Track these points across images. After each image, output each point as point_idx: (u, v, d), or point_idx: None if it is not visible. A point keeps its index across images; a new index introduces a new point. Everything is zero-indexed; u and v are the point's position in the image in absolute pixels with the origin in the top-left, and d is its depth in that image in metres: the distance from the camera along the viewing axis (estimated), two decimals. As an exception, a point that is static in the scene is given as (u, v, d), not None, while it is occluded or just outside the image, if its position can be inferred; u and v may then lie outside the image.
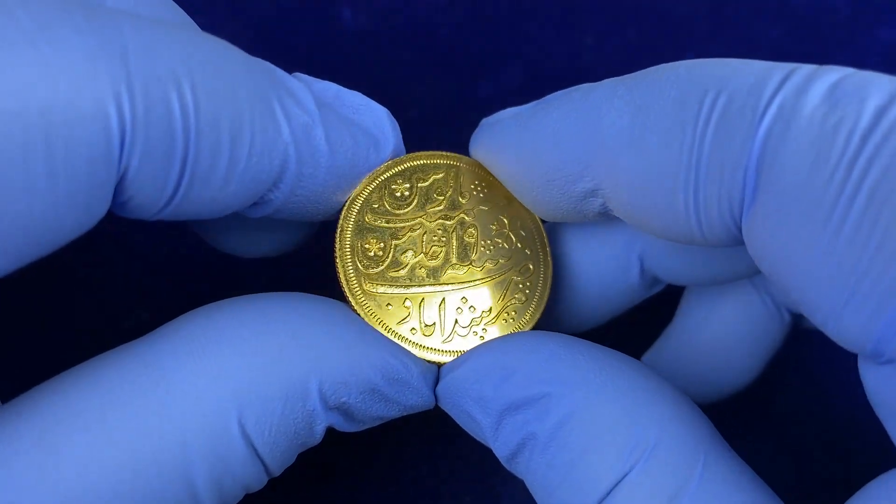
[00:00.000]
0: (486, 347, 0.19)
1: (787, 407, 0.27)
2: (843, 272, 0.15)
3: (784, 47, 0.31)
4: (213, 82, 0.16)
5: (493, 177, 0.21)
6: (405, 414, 0.20)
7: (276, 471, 0.18)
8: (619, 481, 0.17)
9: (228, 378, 0.17)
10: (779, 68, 0.16)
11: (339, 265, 0.20)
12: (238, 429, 0.17)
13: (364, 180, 0.20)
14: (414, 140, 0.22)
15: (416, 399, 0.19)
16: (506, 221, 0.21)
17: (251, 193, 0.18)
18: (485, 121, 0.21)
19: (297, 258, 0.23)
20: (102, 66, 0.15)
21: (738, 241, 0.17)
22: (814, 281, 0.16)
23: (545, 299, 0.21)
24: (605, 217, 0.20)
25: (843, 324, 0.16)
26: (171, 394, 0.17)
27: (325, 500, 0.26)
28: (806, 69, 0.16)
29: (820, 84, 0.16)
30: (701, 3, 0.31)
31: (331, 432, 0.19)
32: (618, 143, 0.18)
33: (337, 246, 0.20)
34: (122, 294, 0.27)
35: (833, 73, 0.16)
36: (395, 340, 0.19)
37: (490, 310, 0.20)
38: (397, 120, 0.21)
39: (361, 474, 0.26)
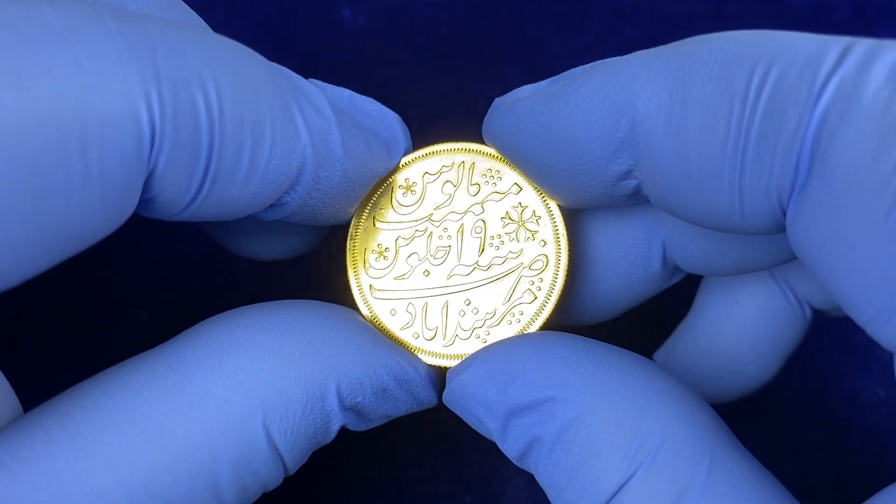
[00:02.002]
0: (491, 351, 0.19)
1: (787, 407, 0.27)
2: None
3: (784, 48, 0.31)
4: (235, 85, 0.17)
5: (506, 163, 0.20)
6: (411, 412, 0.20)
7: (293, 470, 0.18)
8: (625, 483, 0.17)
9: (252, 381, 0.17)
10: (835, 42, 0.15)
11: (349, 273, 0.20)
12: (263, 430, 0.17)
13: (374, 186, 0.20)
14: (413, 140, 0.22)
15: (421, 398, 0.20)
16: (519, 211, 0.20)
17: (270, 195, 0.18)
18: (499, 101, 0.20)
19: (295, 260, 0.23)
20: (133, 67, 0.15)
21: (780, 230, 0.17)
22: (863, 278, 0.15)
23: (558, 291, 0.20)
24: (635, 200, 0.19)
25: (891, 327, 0.15)
26: (198, 397, 0.17)
27: (327, 500, 0.26)
28: (865, 44, 0.15)
29: (882, 62, 0.15)
30: (701, 3, 0.31)
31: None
32: (654, 121, 0.16)
33: (346, 255, 0.20)
34: (121, 294, 0.27)
35: (895, 51, 0.15)
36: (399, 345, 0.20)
37: (494, 311, 0.20)
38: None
39: (362, 475, 0.26)
